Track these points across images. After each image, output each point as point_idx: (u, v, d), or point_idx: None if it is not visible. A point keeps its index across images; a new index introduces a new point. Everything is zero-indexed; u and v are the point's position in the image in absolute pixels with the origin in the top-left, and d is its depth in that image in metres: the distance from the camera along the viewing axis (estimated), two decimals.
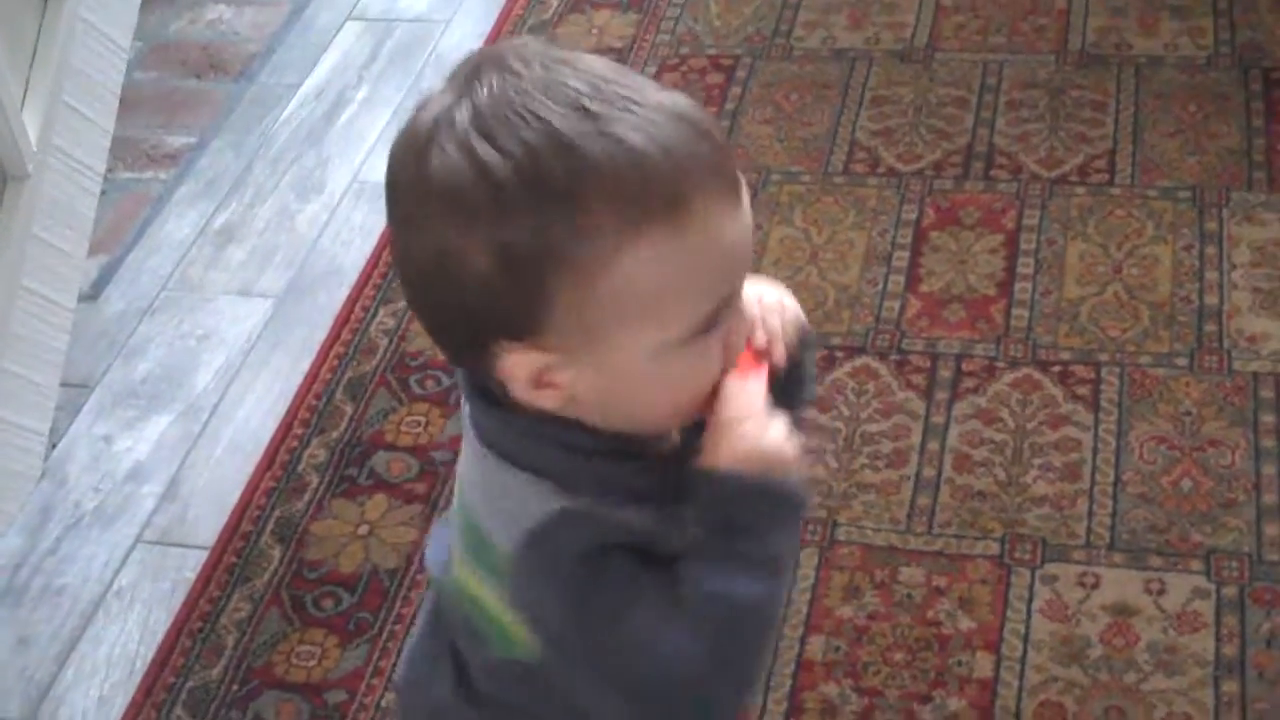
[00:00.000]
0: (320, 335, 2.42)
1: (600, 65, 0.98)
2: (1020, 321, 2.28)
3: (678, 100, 0.98)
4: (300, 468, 2.21)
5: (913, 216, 2.47)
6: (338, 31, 3.06)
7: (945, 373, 2.22)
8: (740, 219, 0.99)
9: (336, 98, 2.88)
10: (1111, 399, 2.15)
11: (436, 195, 0.95)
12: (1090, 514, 2.02)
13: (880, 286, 2.36)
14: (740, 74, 2.78)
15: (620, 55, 2.84)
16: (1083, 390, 2.17)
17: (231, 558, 2.11)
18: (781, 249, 2.44)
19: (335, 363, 2.36)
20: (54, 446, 2.31)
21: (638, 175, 0.93)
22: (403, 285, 1.04)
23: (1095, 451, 2.09)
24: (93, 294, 2.54)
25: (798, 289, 2.34)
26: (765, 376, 1.09)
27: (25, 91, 2.21)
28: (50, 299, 2.27)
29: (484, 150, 0.93)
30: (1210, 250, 2.34)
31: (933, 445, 2.13)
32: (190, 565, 2.12)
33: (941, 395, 2.19)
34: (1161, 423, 2.12)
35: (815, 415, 2.17)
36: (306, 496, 2.17)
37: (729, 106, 2.71)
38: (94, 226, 2.50)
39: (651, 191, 0.94)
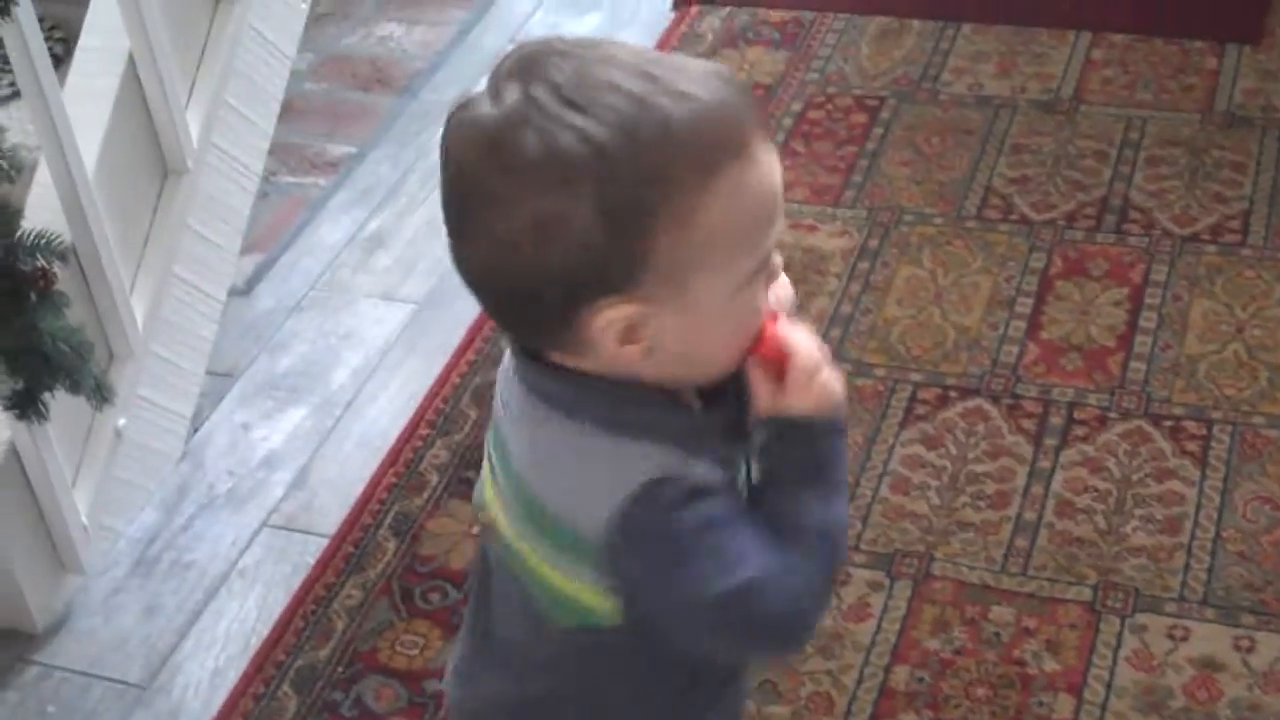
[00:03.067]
0: (454, 342, 2.51)
1: (628, 45, 1.09)
2: (1137, 374, 2.29)
3: (710, 63, 1.10)
4: (422, 466, 2.30)
5: (1040, 264, 2.49)
6: (501, 53, 3.16)
7: (1056, 420, 2.24)
8: (778, 164, 1.10)
9: None
10: (1220, 456, 2.16)
11: (536, 169, 1.03)
12: (1186, 568, 2.03)
13: (1001, 331, 2.39)
14: (884, 115, 2.83)
15: (768, 91, 2.91)
16: (1192, 446, 2.18)
17: (349, 547, 2.20)
18: (907, 288, 2.48)
19: (465, 369, 2.45)
20: (195, 430, 2.43)
21: (708, 125, 1.04)
22: (479, 271, 1.10)
23: (1198, 507, 2.10)
24: (246, 289, 2.67)
25: (919, 328, 2.39)
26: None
27: (191, 91, 2.34)
28: (201, 289, 2.39)
29: (580, 120, 1.02)
30: None
31: (1036, 489, 2.15)
32: (311, 551, 2.22)
33: (1050, 441, 2.21)
34: (1269, 483, 2.12)
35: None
36: (425, 494, 2.26)
37: (870, 146, 2.76)
38: (253, 227, 2.63)
39: (721, 138, 1.05)
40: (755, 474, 1.18)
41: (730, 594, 1.11)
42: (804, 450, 1.16)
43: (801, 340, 1.15)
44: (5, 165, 1.83)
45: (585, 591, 1.15)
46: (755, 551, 1.12)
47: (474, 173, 1.06)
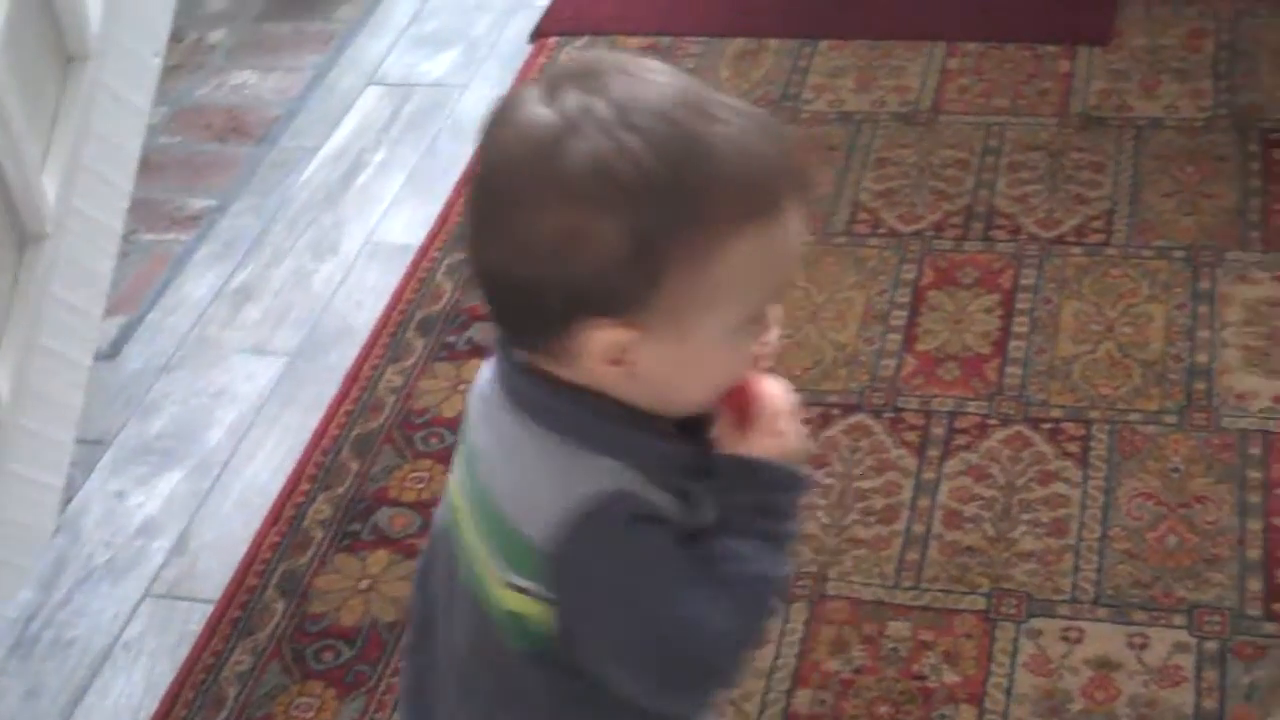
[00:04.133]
0: (330, 393, 2.47)
1: (689, 77, 1.11)
2: (1014, 380, 2.31)
3: (761, 112, 1.11)
4: (305, 523, 2.26)
5: (911, 276, 2.51)
6: (358, 96, 3.14)
7: (938, 430, 2.25)
8: (804, 230, 1.12)
9: (354, 161, 2.95)
10: (1101, 456, 2.18)
11: (577, 178, 1.03)
12: (1076, 569, 2.05)
13: (877, 345, 2.40)
14: None
15: None
16: (1073, 447, 2.20)
17: (236, 611, 2.15)
18: (783, 308, 2.47)
19: (344, 420, 2.41)
20: (69, 501, 2.37)
21: (751, 173, 1.06)
22: (491, 268, 1.10)
23: (1083, 508, 2.12)
24: (112, 352, 2.61)
25: (797, 348, 2.40)
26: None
27: (46, 154, 2.28)
28: (67, 357, 2.34)
29: (630, 139, 1.03)
30: (1203, 309, 2.37)
31: (923, 502, 2.16)
32: (196, 618, 2.17)
33: (934, 452, 2.22)
34: (1150, 479, 2.15)
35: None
36: (311, 551, 2.22)
37: None
38: (116, 287, 2.58)
39: (760, 189, 1.07)
40: (710, 516, 1.17)
41: (654, 627, 1.10)
42: (754, 495, 1.15)
43: (771, 386, 1.16)
44: None
45: (531, 605, 1.14)
46: (689, 591, 1.11)
47: (513, 171, 1.06)
